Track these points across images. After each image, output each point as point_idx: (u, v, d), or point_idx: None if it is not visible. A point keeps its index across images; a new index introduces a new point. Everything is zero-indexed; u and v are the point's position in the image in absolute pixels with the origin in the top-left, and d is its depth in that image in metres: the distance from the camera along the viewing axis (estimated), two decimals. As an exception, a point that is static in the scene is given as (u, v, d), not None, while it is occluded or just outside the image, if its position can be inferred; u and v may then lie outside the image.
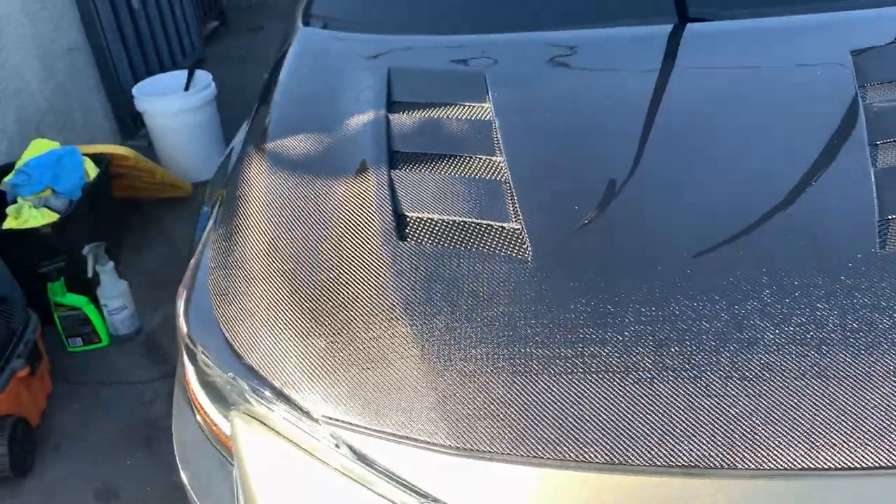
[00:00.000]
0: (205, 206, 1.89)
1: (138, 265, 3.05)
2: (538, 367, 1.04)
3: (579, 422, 0.98)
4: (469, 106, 1.59)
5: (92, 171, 2.90)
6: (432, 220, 1.31)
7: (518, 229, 1.25)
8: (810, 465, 0.91)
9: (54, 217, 2.62)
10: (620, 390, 1.00)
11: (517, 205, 1.30)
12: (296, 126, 1.63)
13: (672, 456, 0.94)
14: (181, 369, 1.47)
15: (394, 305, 1.16)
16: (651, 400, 0.98)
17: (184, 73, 3.69)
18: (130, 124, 4.05)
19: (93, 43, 3.78)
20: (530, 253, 1.20)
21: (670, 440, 0.95)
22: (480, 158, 1.43)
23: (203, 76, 3.64)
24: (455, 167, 1.43)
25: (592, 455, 0.95)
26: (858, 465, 0.91)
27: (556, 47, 1.75)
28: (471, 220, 1.29)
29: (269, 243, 1.35)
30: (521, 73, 1.67)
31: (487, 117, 1.53)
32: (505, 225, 1.27)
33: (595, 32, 1.77)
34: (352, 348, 1.12)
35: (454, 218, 1.30)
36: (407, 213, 1.34)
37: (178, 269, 3.04)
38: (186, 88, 3.60)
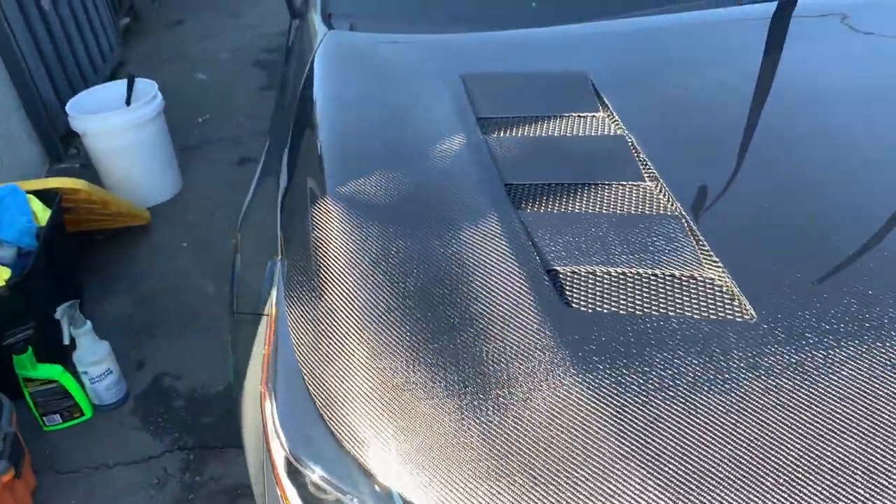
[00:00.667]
0: (237, 255, 1.54)
1: (106, 314, 2.62)
2: None
3: None
4: (581, 117, 1.30)
5: (41, 211, 2.45)
6: (594, 273, 1.03)
7: (724, 282, 0.99)
8: None
9: (6, 273, 2.18)
10: None
11: (706, 247, 1.03)
12: (368, 158, 1.30)
13: None
14: (270, 487, 1.14)
15: (598, 417, 0.87)
16: None
17: (122, 84, 3.22)
18: (58, 145, 3.54)
19: (5, 56, 3.25)
20: (752, 314, 0.94)
21: None
22: (628, 187, 1.16)
23: (147, 86, 3.18)
24: (598, 201, 1.14)
25: None
26: None
27: (644, 36, 1.48)
28: (648, 270, 1.02)
29: (386, 321, 1.04)
30: (629, 71, 1.40)
31: (615, 131, 1.25)
32: (706, 275, 1.00)
33: (675, 17, 1.51)
34: (552, 482, 0.83)
35: (623, 269, 1.03)
36: (558, 269, 1.05)
37: (153, 311, 2.66)
38: (128, 102, 3.14)
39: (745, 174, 1.15)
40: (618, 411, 0.85)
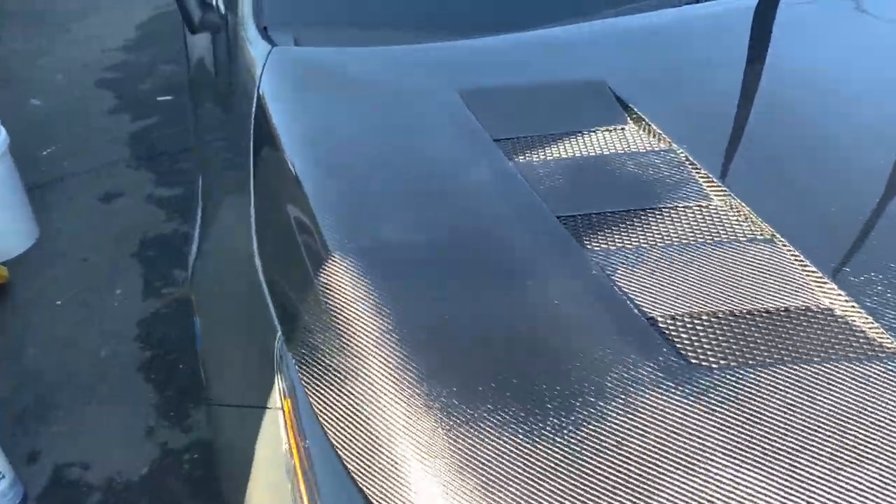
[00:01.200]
0: (196, 318, 1.27)
1: (-25, 399, 2.17)
2: None
3: None
4: (611, 131, 1.15)
5: None
6: (700, 319, 0.88)
7: (852, 313, 0.86)
8: None
9: None
10: None
11: (816, 272, 0.90)
12: (377, 202, 1.07)
13: None
14: None
15: None
16: None
17: (-49, 120, 2.70)
18: None
19: None
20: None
21: None
22: (697, 208, 1.01)
23: (-15, 119, 2.69)
24: (669, 229, 0.99)
25: None
26: None
27: (650, 34, 1.35)
28: (763, 305, 0.88)
29: (452, 405, 0.83)
30: (648, 75, 1.25)
31: (659, 144, 1.11)
32: (825, 304, 0.87)
33: (678, 12, 1.39)
34: None
35: (730, 308, 0.88)
36: (658, 318, 0.89)
37: (38, 389, 2.22)
38: (-37, 140, 2.64)
39: (832, 181, 1.03)
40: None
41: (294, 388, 0.97)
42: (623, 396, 0.81)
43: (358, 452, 0.83)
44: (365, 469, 0.81)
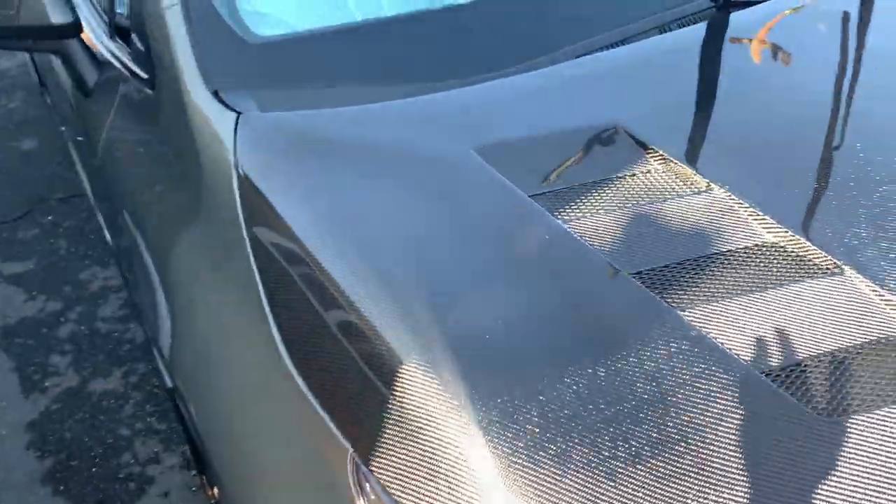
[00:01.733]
0: (190, 408, 1.12)
1: None
2: None
3: None
4: (639, 174, 1.13)
5: None
6: (807, 365, 0.89)
7: None
8: None
9: None
10: None
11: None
12: (433, 290, 0.97)
13: None
14: None
15: None
16: None
17: None
18: None
19: None
20: None
21: None
22: (760, 250, 1.02)
23: None
24: (742, 276, 0.99)
25: None
26: None
27: (643, 66, 1.34)
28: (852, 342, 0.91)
29: None
30: (658, 110, 1.24)
31: (699, 186, 1.10)
32: None
33: (663, 39, 1.40)
34: None
35: (828, 349, 0.90)
36: (771, 370, 0.89)
37: None
38: None
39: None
40: None
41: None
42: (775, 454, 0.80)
43: None
44: None
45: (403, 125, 1.22)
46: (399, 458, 0.85)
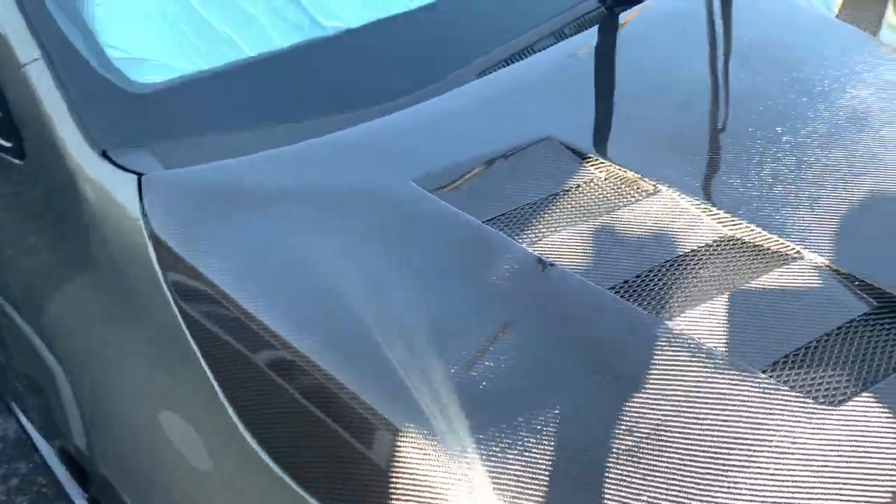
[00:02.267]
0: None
1: None
2: None
3: None
4: (584, 184, 1.11)
5: None
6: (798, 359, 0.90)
7: None
8: None
9: None
10: None
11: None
12: (416, 349, 0.89)
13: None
14: None
15: None
16: None
17: None
18: None
19: None
20: None
21: None
22: (721, 246, 1.02)
23: None
24: (712, 271, 0.99)
25: None
26: None
27: (555, 72, 1.32)
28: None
29: None
30: (584, 116, 1.22)
31: (644, 189, 1.09)
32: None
33: (561, 48, 1.38)
34: None
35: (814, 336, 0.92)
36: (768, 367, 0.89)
37: None
38: None
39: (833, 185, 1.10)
40: None
41: None
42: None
43: None
44: None
45: (331, 163, 1.13)
46: None
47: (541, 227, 1.04)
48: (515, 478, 0.77)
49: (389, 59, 1.34)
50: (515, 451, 0.79)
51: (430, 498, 0.78)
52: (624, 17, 1.46)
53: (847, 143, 1.16)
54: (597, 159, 1.14)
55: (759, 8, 1.49)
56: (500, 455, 0.78)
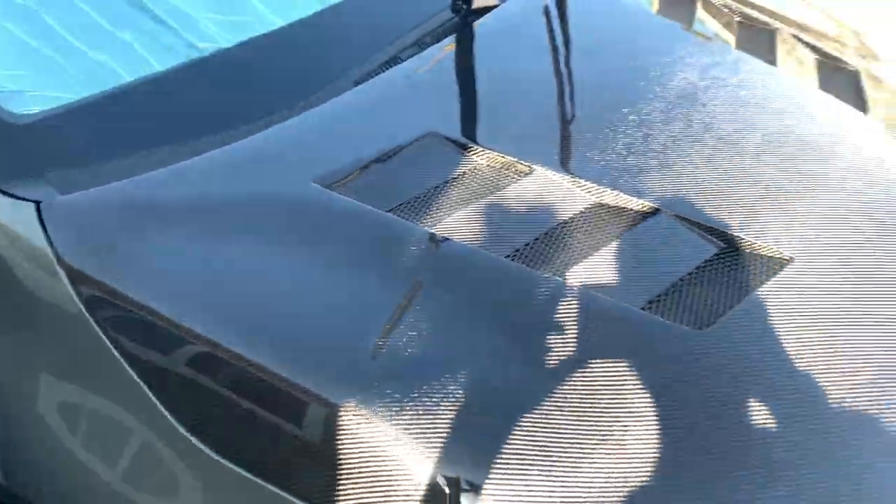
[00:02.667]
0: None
1: None
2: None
3: None
4: (468, 173, 1.23)
5: None
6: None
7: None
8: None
9: None
10: None
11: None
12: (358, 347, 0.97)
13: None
14: None
15: None
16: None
17: None
18: None
19: None
20: None
21: None
22: (594, 212, 1.18)
23: None
24: (595, 233, 1.15)
25: None
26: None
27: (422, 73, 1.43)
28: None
29: None
30: (453, 107, 1.34)
31: (521, 171, 1.23)
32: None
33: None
34: None
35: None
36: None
37: None
38: None
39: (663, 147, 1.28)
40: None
41: None
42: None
43: None
44: None
45: (232, 173, 1.18)
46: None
47: (437, 210, 1.15)
48: (435, 428, 0.87)
49: (267, 75, 1.41)
50: (434, 405, 0.89)
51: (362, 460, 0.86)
52: (476, 24, 1.60)
53: (682, 115, 1.36)
54: (477, 148, 1.27)
55: (594, 9, 1.69)
56: (419, 412, 0.88)
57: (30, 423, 1.10)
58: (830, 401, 0.95)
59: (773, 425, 0.93)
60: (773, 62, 1.60)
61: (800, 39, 1.70)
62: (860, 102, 1.51)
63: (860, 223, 1.20)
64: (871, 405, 0.95)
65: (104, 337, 1.01)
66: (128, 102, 1.28)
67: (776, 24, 1.75)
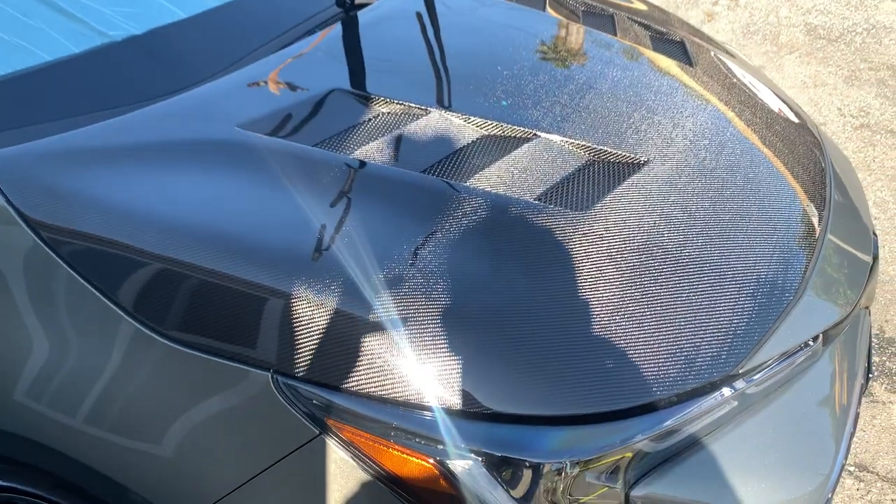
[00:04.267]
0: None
1: None
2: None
3: None
4: (374, 117, 1.42)
5: None
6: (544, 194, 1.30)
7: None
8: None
9: None
10: None
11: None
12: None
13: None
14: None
15: None
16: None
17: None
18: None
19: None
20: None
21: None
22: (472, 136, 1.39)
23: None
24: (482, 154, 1.36)
25: None
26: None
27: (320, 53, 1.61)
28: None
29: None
30: (361, 67, 1.53)
31: (418, 113, 1.43)
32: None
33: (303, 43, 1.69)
34: None
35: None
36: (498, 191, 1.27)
37: None
38: None
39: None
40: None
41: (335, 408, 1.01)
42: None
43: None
44: None
45: (160, 125, 1.30)
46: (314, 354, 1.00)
47: (353, 144, 1.33)
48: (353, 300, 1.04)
49: (187, 53, 1.55)
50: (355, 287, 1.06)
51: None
52: (362, 13, 1.82)
53: (543, 68, 1.62)
54: (377, 97, 1.46)
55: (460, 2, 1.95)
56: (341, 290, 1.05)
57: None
58: (682, 262, 1.20)
59: (641, 281, 1.16)
60: (613, 34, 1.90)
61: (634, 20, 2.03)
62: (688, 60, 1.83)
63: (695, 136, 1.48)
64: (706, 266, 1.21)
65: (70, 269, 1.10)
66: (56, 76, 1.39)
67: (612, 9, 2.08)
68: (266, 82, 1.48)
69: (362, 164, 1.27)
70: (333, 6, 1.81)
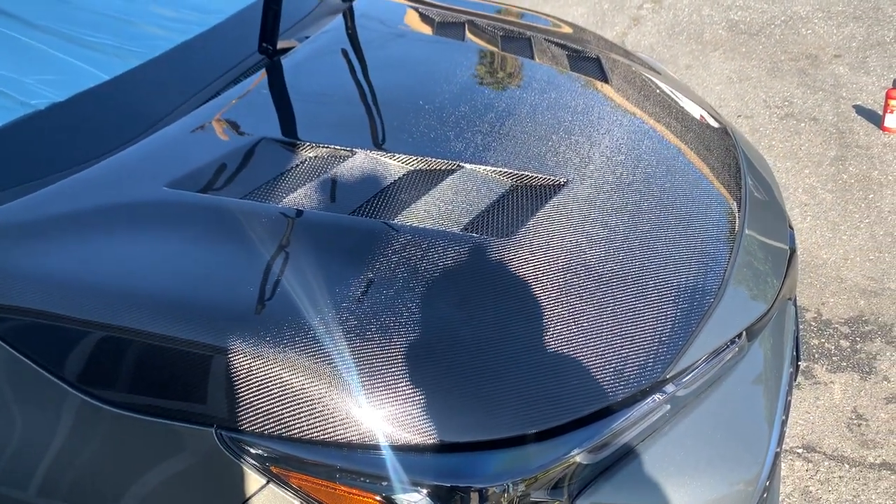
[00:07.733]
0: None
1: None
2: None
3: None
4: (302, 163, 1.46)
5: None
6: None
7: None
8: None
9: None
10: None
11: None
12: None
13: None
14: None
15: None
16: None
17: None
18: None
19: None
20: None
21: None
22: (402, 176, 1.44)
23: None
24: (411, 188, 1.41)
25: None
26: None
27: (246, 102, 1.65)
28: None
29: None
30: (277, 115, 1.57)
31: (344, 155, 1.47)
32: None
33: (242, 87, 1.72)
34: None
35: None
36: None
37: None
38: None
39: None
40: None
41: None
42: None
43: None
44: None
45: (89, 192, 1.32)
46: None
47: (282, 192, 1.36)
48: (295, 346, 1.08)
49: (108, 116, 1.57)
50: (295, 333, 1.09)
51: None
52: (282, 60, 1.85)
53: (464, 98, 1.67)
54: (303, 143, 1.50)
55: (379, 38, 2.00)
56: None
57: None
58: (604, 277, 1.26)
59: (557, 299, 1.22)
60: (531, 58, 1.97)
61: (551, 41, 2.10)
62: (603, 76, 1.90)
63: (612, 152, 1.55)
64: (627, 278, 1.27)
65: (8, 347, 1.12)
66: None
67: (529, 33, 2.15)
68: (192, 137, 1.51)
69: (291, 211, 1.31)
70: (255, 54, 1.84)
